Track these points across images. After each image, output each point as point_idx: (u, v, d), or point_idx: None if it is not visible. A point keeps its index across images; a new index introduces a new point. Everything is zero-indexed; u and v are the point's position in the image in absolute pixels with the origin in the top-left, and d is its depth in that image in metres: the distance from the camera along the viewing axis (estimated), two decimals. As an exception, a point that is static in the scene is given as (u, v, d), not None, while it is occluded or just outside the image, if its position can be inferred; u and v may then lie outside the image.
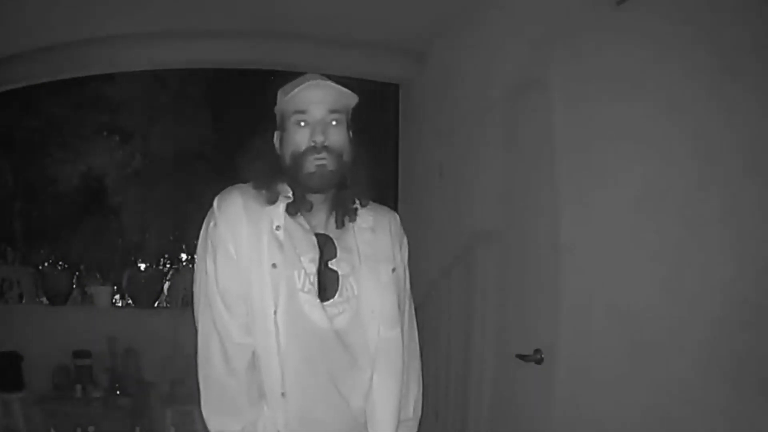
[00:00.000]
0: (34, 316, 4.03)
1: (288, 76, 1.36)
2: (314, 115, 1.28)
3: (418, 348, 1.41)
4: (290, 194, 1.31)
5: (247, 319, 1.25)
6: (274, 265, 1.25)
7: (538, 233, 2.09)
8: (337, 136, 1.29)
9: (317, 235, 1.31)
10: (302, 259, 1.27)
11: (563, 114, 1.97)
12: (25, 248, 6.09)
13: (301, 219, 1.30)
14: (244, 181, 1.33)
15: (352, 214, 1.35)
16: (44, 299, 4.37)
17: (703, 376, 1.48)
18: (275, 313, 1.23)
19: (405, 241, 1.43)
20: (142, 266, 6.16)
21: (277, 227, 1.28)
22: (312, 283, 1.27)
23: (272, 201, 1.29)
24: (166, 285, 4.93)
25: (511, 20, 2.41)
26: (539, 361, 1.99)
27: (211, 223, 1.29)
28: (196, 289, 1.31)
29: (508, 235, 2.32)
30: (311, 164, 1.26)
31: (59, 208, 6.21)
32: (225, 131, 5.88)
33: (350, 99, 1.31)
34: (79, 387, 3.54)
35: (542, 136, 2.05)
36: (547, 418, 1.95)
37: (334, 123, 1.29)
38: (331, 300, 1.28)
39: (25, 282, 4.34)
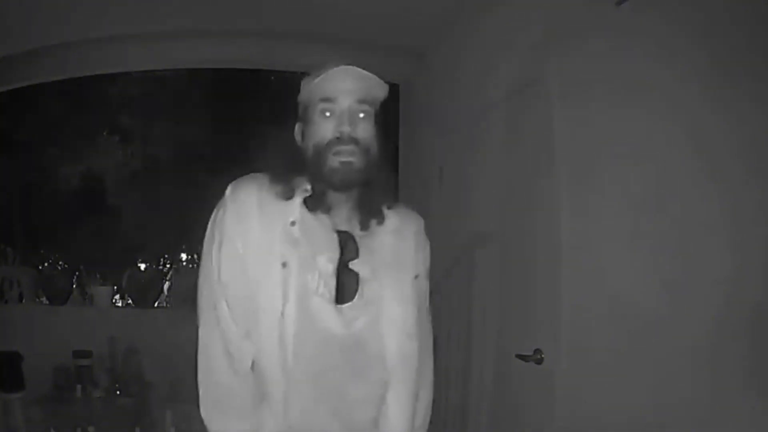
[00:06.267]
0: (34, 316, 4.03)
1: (288, 76, 1.33)
2: (342, 104, 1.17)
3: (432, 358, 1.34)
4: (309, 188, 1.20)
5: (250, 319, 1.16)
6: (284, 264, 1.15)
7: (538, 233, 2.09)
8: (366, 130, 1.18)
9: (339, 232, 1.20)
10: (318, 258, 1.17)
11: (563, 114, 1.98)
12: (25, 248, 6.09)
13: (321, 215, 1.20)
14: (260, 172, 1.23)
15: (380, 217, 1.24)
16: (44, 299, 4.37)
17: (703, 377, 1.48)
18: (282, 316, 1.14)
19: (428, 247, 1.34)
20: (142, 266, 6.16)
21: (292, 222, 1.17)
22: (327, 286, 1.17)
23: (288, 196, 1.18)
24: (166, 285, 4.93)
25: (511, 20, 2.41)
26: (539, 361, 1.99)
27: (220, 212, 1.20)
28: (200, 281, 1.21)
29: (508, 236, 2.32)
30: (335, 159, 1.15)
31: (59, 208, 6.21)
32: (225, 131, 5.89)
33: (381, 90, 1.20)
34: (79, 387, 3.53)
35: (542, 136, 2.05)
36: (548, 418, 1.95)
37: (362, 115, 1.18)
38: (349, 303, 1.19)
39: (25, 282, 4.34)
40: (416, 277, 1.27)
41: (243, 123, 5.68)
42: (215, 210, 1.22)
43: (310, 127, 1.20)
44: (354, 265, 1.20)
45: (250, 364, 1.16)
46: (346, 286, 1.19)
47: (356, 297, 1.19)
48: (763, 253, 1.39)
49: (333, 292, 1.18)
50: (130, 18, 2.89)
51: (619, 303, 1.73)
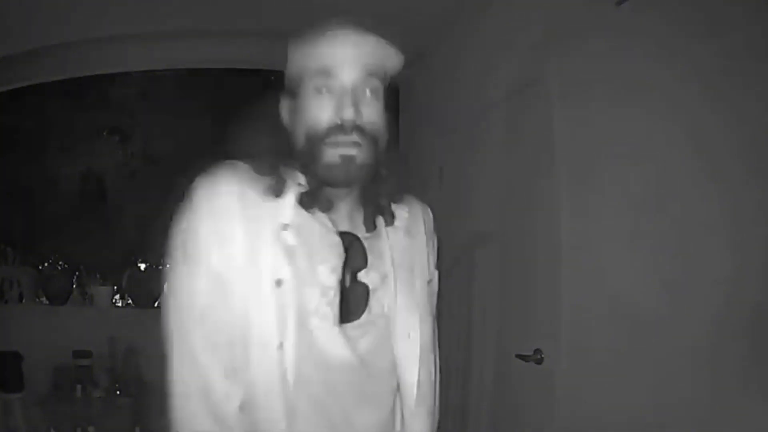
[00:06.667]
0: (34, 316, 4.03)
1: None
2: (343, 79, 0.91)
3: (438, 366, 1.19)
4: (303, 182, 0.96)
5: (237, 354, 0.91)
6: (278, 282, 0.90)
7: (538, 233, 2.08)
8: (373, 113, 0.93)
9: (342, 234, 0.97)
10: (319, 269, 0.94)
11: (563, 114, 1.97)
12: (25, 248, 6.09)
13: (319, 214, 0.96)
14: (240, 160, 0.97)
15: (389, 216, 1.03)
16: (44, 299, 4.37)
17: (703, 377, 1.48)
18: (281, 347, 0.90)
19: (436, 241, 1.17)
20: (142, 266, 6.15)
21: (285, 226, 0.92)
22: (330, 303, 0.94)
23: (278, 192, 0.94)
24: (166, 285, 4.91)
25: (511, 20, 2.41)
26: (539, 361, 1.99)
27: (190, 216, 0.94)
28: (168, 307, 0.94)
29: (508, 236, 2.32)
30: (334, 152, 0.90)
31: (59, 208, 6.21)
32: (225, 131, 5.88)
33: (393, 59, 0.99)
34: (79, 387, 3.54)
35: (542, 136, 2.05)
36: (548, 419, 1.94)
37: (369, 93, 0.93)
38: (356, 321, 0.97)
39: (25, 282, 4.34)
40: (430, 281, 1.11)
41: (243, 123, 5.68)
42: (181, 216, 0.95)
43: (300, 107, 0.94)
44: (363, 275, 0.99)
45: (236, 406, 0.92)
46: (352, 302, 0.97)
47: (364, 314, 0.98)
48: (763, 253, 1.39)
49: (336, 310, 0.95)
50: (130, 18, 2.88)
51: (619, 303, 1.73)
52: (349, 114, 0.90)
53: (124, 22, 2.92)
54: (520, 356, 2.04)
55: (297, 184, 0.96)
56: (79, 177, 6.27)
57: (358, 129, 0.91)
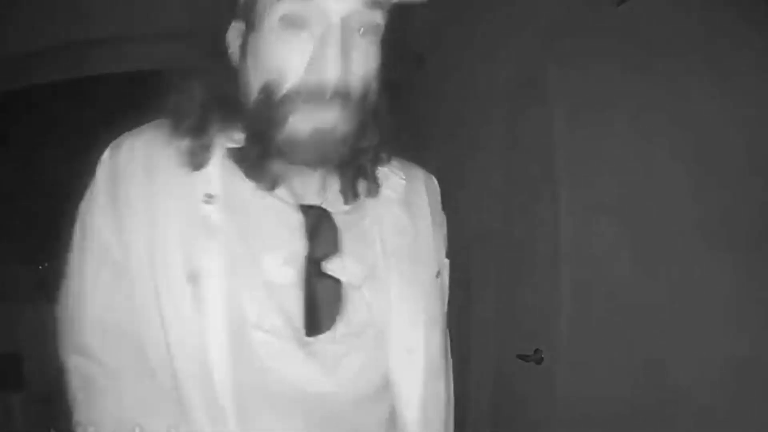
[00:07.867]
0: (34, 316, 4.03)
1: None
2: (328, 8, 0.61)
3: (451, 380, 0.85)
4: (238, 138, 0.70)
5: (145, 387, 0.69)
6: (191, 278, 0.64)
7: (538, 233, 2.09)
8: (367, 63, 0.65)
9: (305, 209, 0.70)
10: (266, 259, 0.67)
11: (563, 114, 1.98)
12: (25, 248, 6.09)
13: (264, 182, 0.71)
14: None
15: (373, 181, 0.75)
16: (44, 299, 4.37)
17: (706, 376, 1.48)
18: (206, 366, 0.64)
19: (445, 222, 0.89)
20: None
21: (209, 198, 0.66)
22: (284, 310, 0.66)
23: (197, 162, 0.68)
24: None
25: (511, 20, 2.41)
26: (539, 361, 1.99)
27: (86, 199, 0.76)
28: (61, 308, 0.78)
29: (508, 235, 2.32)
30: (303, 122, 0.62)
31: (60, 208, 6.21)
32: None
33: None
34: (79, 387, 3.53)
35: (542, 135, 2.05)
36: (548, 419, 1.95)
37: (362, 30, 0.64)
38: (327, 333, 0.69)
39: (25, 282, 4.34)
40: (438, 274, 0.81)
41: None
42: (86, 192, 0.78)
43: (258, 46, 0.64)
44: (333, 265, 0.70)
45: None
46: (320, 306, 0.69)
47: (340, 321, 0.69)
48: (764, 251, 1.39)
49: (298, 319, 0.68)
50: (129, 18, 2.89)
51: (619, 303, 1.73)
52: (333, 71, 0.60)
53: (124, 22, 2.93)
54: (520, 356, 2.04)
55: (228, 138, 0.70)
56: (79, 176, 6.27)
57: (343, 92, 0.62)
